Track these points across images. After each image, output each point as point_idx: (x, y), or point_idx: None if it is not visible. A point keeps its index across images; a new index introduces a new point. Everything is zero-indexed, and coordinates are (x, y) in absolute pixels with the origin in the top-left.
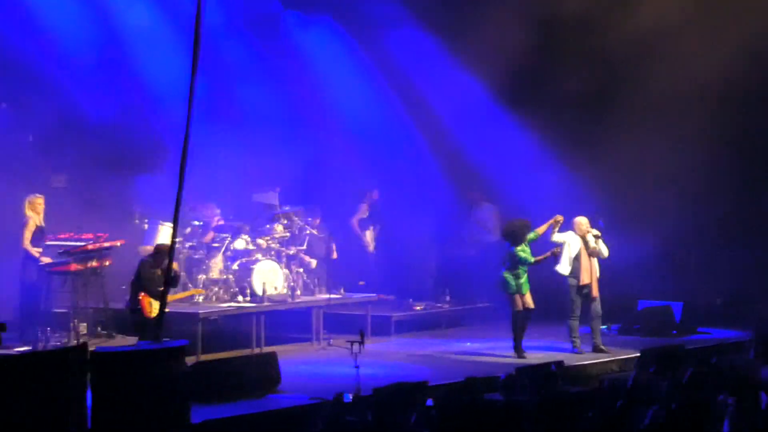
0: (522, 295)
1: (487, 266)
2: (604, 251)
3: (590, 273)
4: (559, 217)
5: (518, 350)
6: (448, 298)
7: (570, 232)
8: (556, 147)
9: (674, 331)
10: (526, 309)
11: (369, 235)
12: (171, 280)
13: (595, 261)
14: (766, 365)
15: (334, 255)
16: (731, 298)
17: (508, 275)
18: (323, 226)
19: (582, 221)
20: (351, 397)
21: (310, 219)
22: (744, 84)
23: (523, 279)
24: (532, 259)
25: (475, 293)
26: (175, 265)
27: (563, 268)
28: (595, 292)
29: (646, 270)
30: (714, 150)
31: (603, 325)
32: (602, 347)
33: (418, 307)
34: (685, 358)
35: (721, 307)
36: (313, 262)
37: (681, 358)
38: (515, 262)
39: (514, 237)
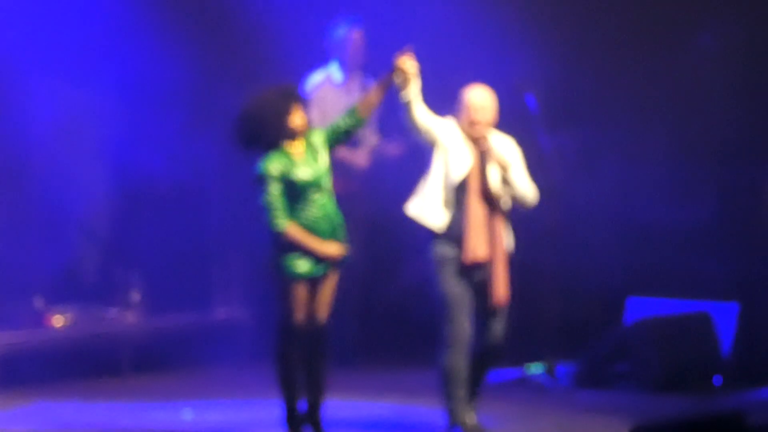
0: (313, 281)
1: None
2: (529, 192)
3: (486, 235)
4: (406, 61)
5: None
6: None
7: (450, 119)
8: None
9: None
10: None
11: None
12: None
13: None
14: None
15: None
16: None
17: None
18: None
19: (479, 102)
20: None
21: None
22: None
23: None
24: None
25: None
26: None
27: (425, 208)
28: (501, 288)
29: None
30: None
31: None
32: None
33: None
34: None
35: None
36: None
37: None
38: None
39: (258, 131)
